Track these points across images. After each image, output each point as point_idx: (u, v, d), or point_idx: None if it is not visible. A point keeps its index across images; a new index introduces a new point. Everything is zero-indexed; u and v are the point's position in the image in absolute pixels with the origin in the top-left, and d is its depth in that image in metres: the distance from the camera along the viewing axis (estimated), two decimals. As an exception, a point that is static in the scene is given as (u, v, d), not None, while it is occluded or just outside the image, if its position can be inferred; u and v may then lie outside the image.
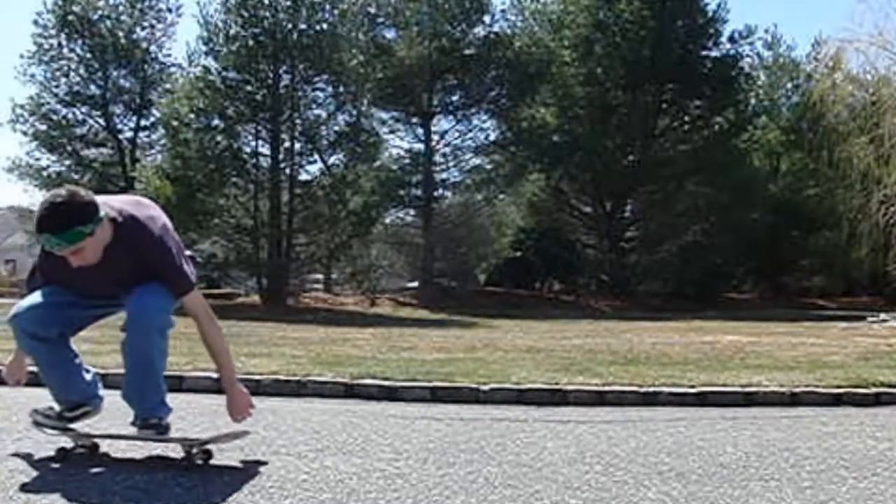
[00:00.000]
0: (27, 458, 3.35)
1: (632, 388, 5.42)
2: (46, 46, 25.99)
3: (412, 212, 30.59)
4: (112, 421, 3.72)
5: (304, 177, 24.28)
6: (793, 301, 29.67)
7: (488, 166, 30.17)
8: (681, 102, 31.04)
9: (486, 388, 5.37)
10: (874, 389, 5.54)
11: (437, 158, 29.58)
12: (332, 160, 24.12)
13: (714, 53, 30.39)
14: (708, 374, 6.06)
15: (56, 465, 3.22)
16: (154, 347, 3.30)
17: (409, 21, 27.61)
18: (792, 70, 33.74)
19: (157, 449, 3.46)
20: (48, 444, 3.62)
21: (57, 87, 26.28)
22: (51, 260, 3.26)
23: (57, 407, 3.45)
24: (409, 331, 12.46)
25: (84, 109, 26.70)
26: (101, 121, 26.85)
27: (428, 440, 3.91)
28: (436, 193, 29.55)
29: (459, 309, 22.13)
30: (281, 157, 23.17)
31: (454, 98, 29.35)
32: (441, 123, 29.79)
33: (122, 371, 5.58)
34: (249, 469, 3.25)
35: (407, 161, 29.41)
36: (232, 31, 22.56)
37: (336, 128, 23.84)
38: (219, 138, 22.52)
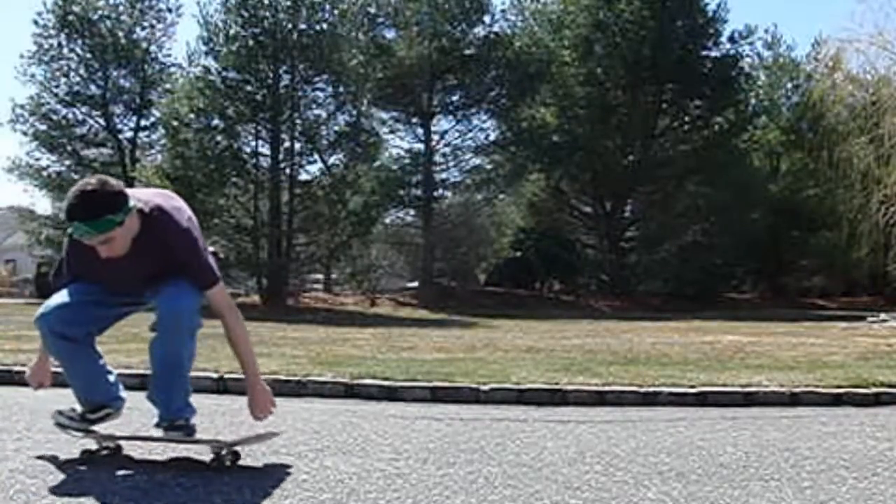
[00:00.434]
0: (26, 458, 3.35)
1: (632, 388, 5.41)
2: (46, 46, 25.99)
3: (412, 212, 30.61)
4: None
5: (304, 177, 24.32)
6: (793, 301, 29.68)
7: (488, 166, 30.19)
8: (681, 102, 31.06)
9: (486, 388, 5.37)
10: (874, 389, 5.53)
11: (437, 158, 29.60)
12: (332, 160, 24.14)
13: (714, 53, 30.43)
14: (708, 374, 6.06)
15: (56, 466, 3.22)
16: (184, 348, 3.29)
17: (409, 21, 27.62)
18: (792, 70, 33.75)
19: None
20: (47, 444, 3.62)
21: (57, 87, 26.28)
22: (79, 252, 3.24)
23: (79, 408, 3.41)
24: (409, 331, 12.47)
25: (84, 109, 26.70)
26: (101, 121, 26.84)
27: (428, 440, 3.91)
28: (436, 193, 29.57)
29: (459, 309, 22.14)
30: (281, 157, 23.19)
31: (454, 98, 29.37)
32: (441, 123, 29.84)
33: (126, 371, 5.59)
34: (249, 469, 3.25)
35: (407, 161, 29.43)
36: (232, 31, 22.58)
37: (336, 128, 23.86)
38: (219, 138, 22.54)
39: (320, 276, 32.33)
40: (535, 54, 27.90)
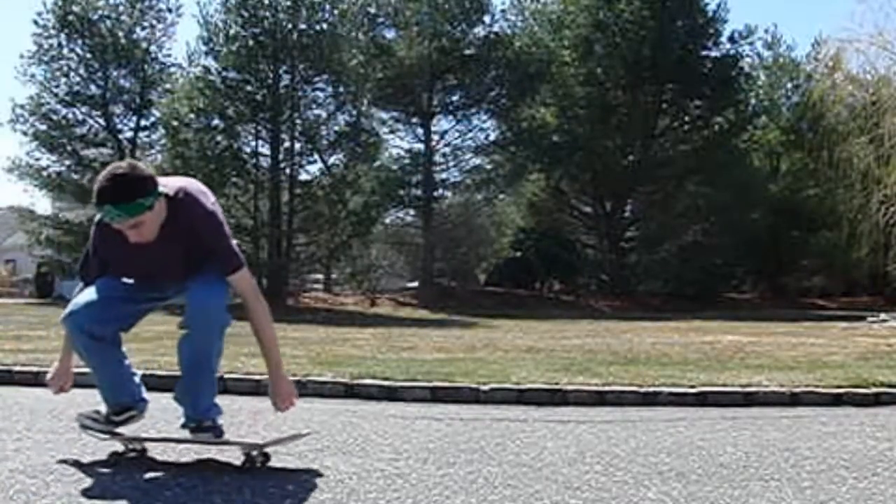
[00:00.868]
0: (26, 458, 3.34)
1: (632, 388, 5.41)
2: (46, 46, 25.97)
3: (412, 212, 30.61)
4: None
5: (304, 177, 24.33)
6: (793, 301, 29.68)
7: (488, 166, 30.20)
8: (681, 102, 31.07)
9: (486, 388, 5.37)
10: (874, 389, 5.53)
11: (437, 158, 29.60)
12: (332, 160, 24.15)
13: (714, 53, 30.44)
14: (708, 374, 6.06)
15: (56, 466, 3.22)
16: (213, 347, 3.27)
17: (409, 21, 27.62)
18: (792, 70, 33.75)
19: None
20: (47, 444, 3.62)
21: (57, 87, 26.26)
22: (107, 240, 3.22)
23: (103, 410, 3.37)
24: (409, 331, 12.47)
25: (84, 109, 26.67)
26: (101, 121, 26.82)
27: (428, 440, 3.91)
28: (436, 193, 29.57)
29: (459, 309, 22.14)
30: (281, 157, 23.20)
31: (454, 98, 29.37)
32: (441, 123, 29.86)
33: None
34: (249, 470, 3.24)
35: (407, 161, 29.44)
36: (232, 31, 22.59)
37: (336, 128, 23.87)
38: (219, 138, 22.54)
39: (320, 276, 32.35)
40: (535, 54, 27.90)
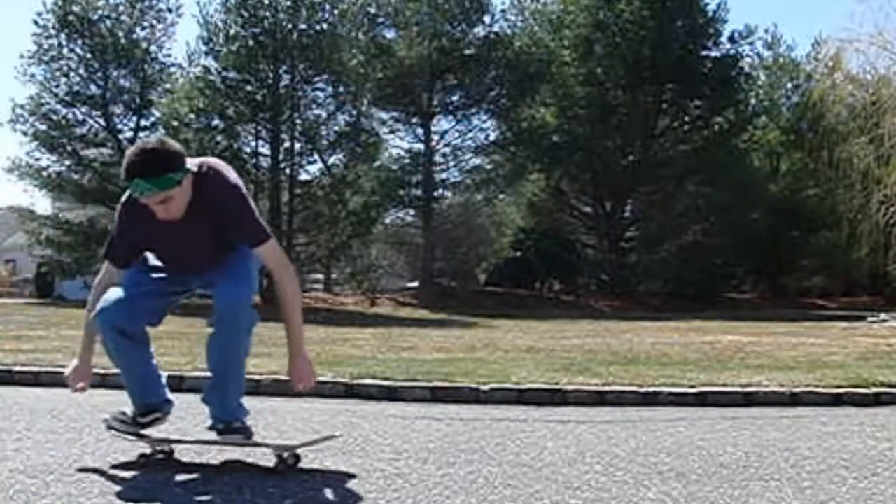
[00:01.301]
0: (26, 458, 3.34)
1: (632, 388, 5.41)
2: (46, 46, 25.96)
3: (412, 212, 30.62)
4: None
5: (304, 177, 24.33)
6: (793, 301, 29.67)
7: (488, 166, 30.22)
8: (681, 102, 31.07)
9: (486, 388, 5.37)
10: (874, 389, 5.53)
11: (437, 158, 29.61)
12: (332, 160, 24.15)
13: (714, 53, 30.45)
14: (708, 374, 6.06)
15: (56, 466, 3.21)
16: (241, 346, 3.26)
17: (409, 21, 27.63)
18: (792, 70, 33.75)
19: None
20: (47, 444, 3.62)
21: (57, 87, 26.24)
22: (135, 220, 3.20)
23: (128, 411, 3.35)
24: (409, 331, 12.47)
25: (84, 109, 26.66)
26: (101, 121, 26.81)
27: (428, 440, 3.91)
28: (436, 193, 29.58)
29: (459, 309, 22.14)
30: (281, 157, 23.20)
31: (454, 98, 29.38)
32: (441, 123, 29.87)
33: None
34: (250, 470, 3.25)
35: (407, 161, 29.45)
36: (232, 31, 22.59)
37: (336, 128, 23.87)
38: (219, 138, 22.54)
39: (320, 276, 32.35)
40: (535, 54, 27.90)
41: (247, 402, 3.43)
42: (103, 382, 5.59)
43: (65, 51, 26.19)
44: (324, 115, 23.83)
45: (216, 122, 22.65)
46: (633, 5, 28.58)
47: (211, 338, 3.25)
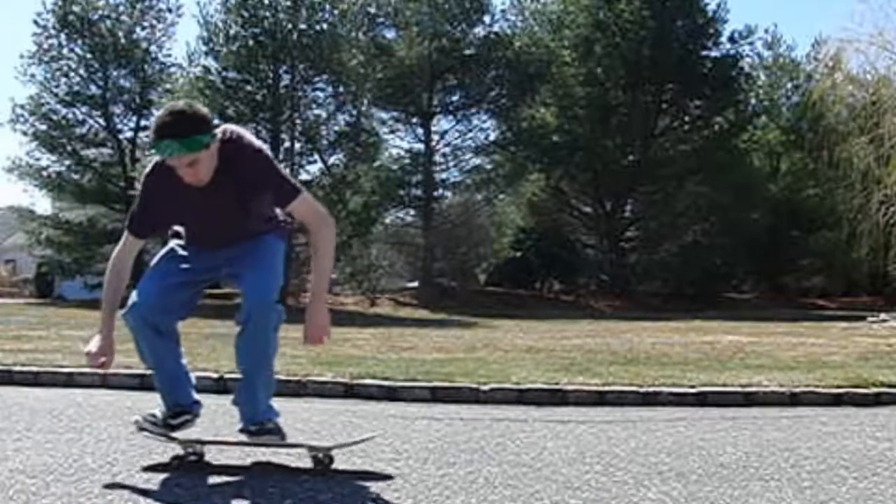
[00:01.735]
0: (26, 458, 3.34)
1: (632, 388, 5.41)
2: (46, 46, 25.97)
3: (412, 212, 30.63)
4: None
5: (304, 177, 24.27)
6: (793, 301, 29.68)
7: (488, 166, 30.23)
8: (681, 102, 31.07)
9: (486, 388, 5.37)
10: (874, 389, 5.53)
11: (437, 158, 29.63)
12: (332, 160, 24.16)
13: (714, 53, 30.45)
14: (708, 374, 6.05)
15: (56, 466, 3.21)
16: (270, 345, 3.23)
17: (409, 21, 27.64)
18: (792, 70, 33.77)
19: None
20: (47, 444, 3.62)
21: (57, 87, 26.26)
22: (161, 188, 3.16)
23: (159, 413, 3.31)
24: (409, 331, 12.47)
25: (84, 109, 26.68)
26: (101, 121, 26.83)
27: (428, 440, 3.90)
28: (436, 193, 29.59)
29: (459, 309, 22.15)
30: (281, 157, 23.16)
31: (454, 98, 29.40)
32: (441, 123, 29.89)
33: (126, 371, 5.59)
34: (250, 470, 3.24)
35: (407, 161, 29.46)
36: (232, 31, 22.59)
37: (336, 128, 23.87)
38: (219, 138, 22.52)
39: (320, 277, 32.27)
40: (535, 54, 27.91)
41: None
42: (104, 383, 5.61)
43: (65, 51, 26.21)
44: (324, 115, 23.83)
45: (216, 121, 22.63)
46: (633, 5, 28.58)
47: (239, 337, 3.21)
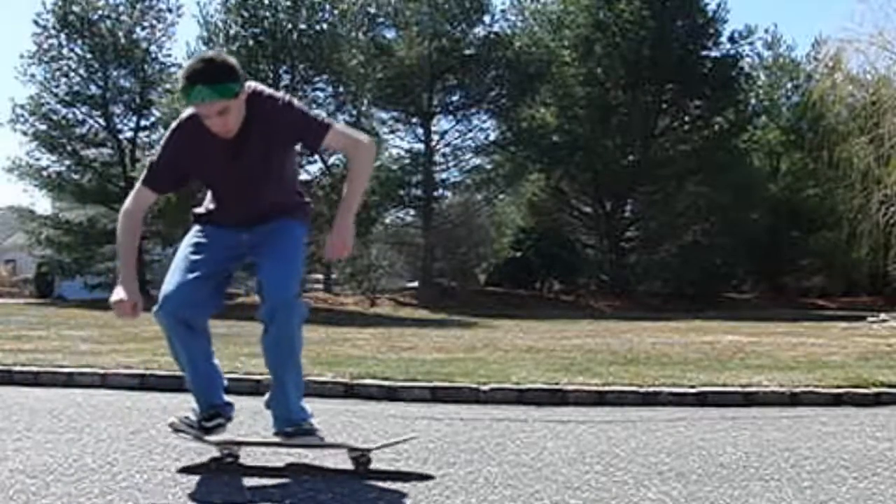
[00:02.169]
0: (26, 458, 3.34)
1: (632, 388, 5.41)
2: (46, 46, 25.95)
3: (412, 212, 30.64)
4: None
5: (304, 177, 24.29)
6: (793, 301, 29.68)
7: (488, 166, 30.23)
8: (681, 102, 31.06)
9: (486, 388, 5.37)
10: (874, 389, 5.53)
11: (437, 158, 29.62)
12: (332, 160, 24.13)
13: (714, 53, 30.44)
14: (708, 374, 6.06)
15: (56, 466, 3.21)
16: (295, 342, 3.20)
17: (409, 21, 27.63)
18: (792, 70, 33.76)
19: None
20: (47, 444, 3.62)
21: (57, 87, 26.24)
22: (188, 142, 3.15)
23: (193, 416, 3.28)
24: (409, 331, 12.47)
25: (84, 109, 26.66)
26: (101, 121, 26.81)
27: (428, 440, 3.90)
28: (436, 193, 29.59)
29: (459, 309, 22.14)
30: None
31: (454, 98, 29.40)
32: (441, 123, 29.89)
33: (126, 371, 5.59)
34: (251, 470, 3.24)
35: (407, 161, 29.45)
36: (232, 31, 22.60)
37: (336, 128, 23.83)
38: (219, 138, 22.54)
39: (320, 276, 32.32)
40: (535, 54, 27.91)
41: (247, 402, 3.43)
42: (104, 383, 5.61)
43: (65, 51, 26.19)
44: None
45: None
46: (633, 5, 28.58)
47: (264, 337, 3.17)
